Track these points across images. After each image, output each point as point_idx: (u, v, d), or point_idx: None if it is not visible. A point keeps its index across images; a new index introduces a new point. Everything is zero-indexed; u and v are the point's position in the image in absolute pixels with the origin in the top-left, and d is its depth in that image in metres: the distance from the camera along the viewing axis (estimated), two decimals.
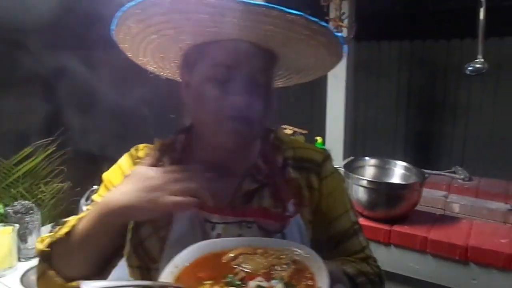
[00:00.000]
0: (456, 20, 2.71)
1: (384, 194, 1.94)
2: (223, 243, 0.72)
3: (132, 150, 0.92)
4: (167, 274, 0.63)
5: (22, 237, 1.76)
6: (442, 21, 2.85)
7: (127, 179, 0.74)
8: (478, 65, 2.00)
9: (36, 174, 2.10)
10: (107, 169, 0.92)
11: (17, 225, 1.70)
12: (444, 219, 2.01)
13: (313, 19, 0.67)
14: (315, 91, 3.30)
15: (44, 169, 2.13)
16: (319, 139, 2.64)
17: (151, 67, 0.92)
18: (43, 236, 0.80)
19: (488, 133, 2.77)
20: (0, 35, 1.90)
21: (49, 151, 2.12)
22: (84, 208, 1.02)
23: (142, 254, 0.82)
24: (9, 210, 1.78)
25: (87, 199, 1.92)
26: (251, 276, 0.63)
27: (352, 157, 2.59)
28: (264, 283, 0.60)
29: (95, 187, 1.89)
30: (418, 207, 2.06)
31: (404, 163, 2.17)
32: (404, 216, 1.97)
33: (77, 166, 2.26)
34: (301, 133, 2.68)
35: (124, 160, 0.90)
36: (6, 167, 2.02)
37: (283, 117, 3.23)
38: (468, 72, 2.03)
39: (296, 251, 0.68)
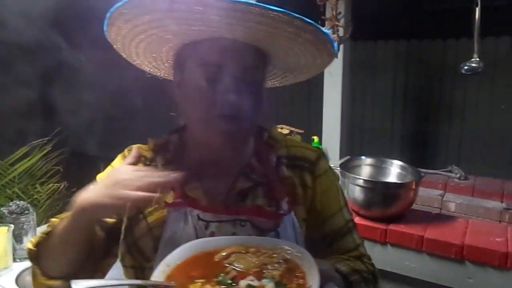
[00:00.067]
0: (452, 20, 2.72)
1: (380, 193, 1.94)
2: (216, 242, 0.72)
3: (125, 151, 0.92)
4: (158, 273, 0.63)
5: (17, 237, 1.75)
6: (438, 21, 2.86)
7: (102, 178, 0.75)
8: (474, 65, 2.01)
9: (32, 174, 2.10)
10: (104, 169, 0.92)
11: (12, 226, 1.70)
12: (440, 218, 2.02)
13: (297, 16, 0.66)
14: (312, 91, 3.31)
15: (40, 169, 2.13)
16: (315, 138, 2.64)
17: (146, 67, 0.93)
18: (35, 237, 0.81)
19: (484, 132, 2.79)
20: None
21: (45, 151, 2.12)
22: None
23: (136, 253, 0.82)
24: (4, 210, 1.77)
25: None
26: (242, 275, 0.64)
27: (348, 157, 2.59)
28: (255, 282, 0.60)
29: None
30: (414, 206, 2.06)
31: (400, 162, 2.17)
32: (400, 215, 1.97)
33: (73, 167, 2.25)
34: (298, 133, 2.68)
35: (117, 161, 0.91)
36: (1, 167, 2.02)
37: (280, 116, 3.24)
38: (464, 72, 2.04)
39: (288, 250, 0.68)
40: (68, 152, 2.20)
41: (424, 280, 1.84)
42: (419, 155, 2.99)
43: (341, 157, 2.62)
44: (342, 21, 2.31)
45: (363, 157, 2.28)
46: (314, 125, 2.84)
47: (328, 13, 2.29)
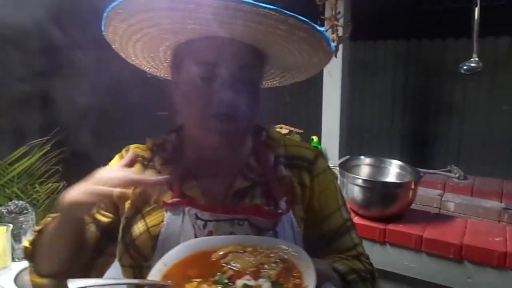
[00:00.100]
0: (451, 20, 2.72)
1: (379, 193, 1.94)
2: (213, 241, 0.72)
3: (123, 151, 0.92)
4: (155, 272, 0.63)
5: (16, 237, 1.75)
6: (437, 21, 2.86)
7: None
8: (473, 64, 2.01)
9: (31, 174, 2.09)
10: None
11: (11, 225, 1.70)
12: (439, 218, 2.02)
13: (291, 14, 0.66)
14: (311, 91, 3.31)
15: (39, 169, 2.12)
16: (315, 138, 2.64)
17: (145, 67, 0.93)
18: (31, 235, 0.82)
19: (483, 132, 2.79)
20: None
21: (44, 151, 2.12)
22: None
23: (134, 252, 0.82)
24: (3, 210, 1.77)
25: None
26: (239, 274, 0.63)
27: (347, 156, 2.59)
28: (251, 282, 0.60)
29: None
30: (413, 206, 2.06)
31: (399, 162, 2.17)
32: (399, 215, 1.97)
33: (72, 166, 2.25)
34: (297, 133, 2.69)
35: (115, 161, 0.91)
36: (0, 166, 2.02)
37: (279, 116, 3.24)
38: (463, 71, 2.04)
39: (285, 250, 0.68)
40: (67, 151, 2.20)
41: (423, 280, 1.84)
42: (418, 155, 2.99)
43: (340, 157, 2.62)
44: (341, 21, 2.31)
45: (362, 157, 2.28)
46: (313, 125, 2.84)
47: (328, 13, 2.29)
